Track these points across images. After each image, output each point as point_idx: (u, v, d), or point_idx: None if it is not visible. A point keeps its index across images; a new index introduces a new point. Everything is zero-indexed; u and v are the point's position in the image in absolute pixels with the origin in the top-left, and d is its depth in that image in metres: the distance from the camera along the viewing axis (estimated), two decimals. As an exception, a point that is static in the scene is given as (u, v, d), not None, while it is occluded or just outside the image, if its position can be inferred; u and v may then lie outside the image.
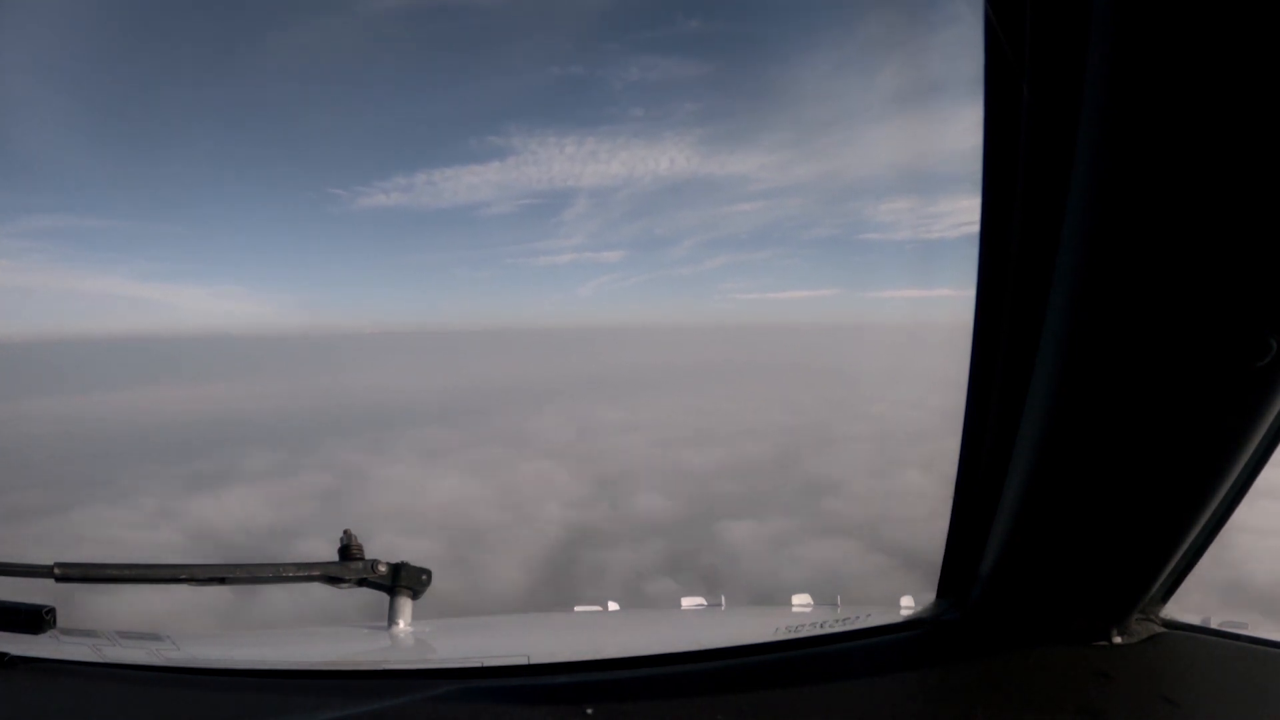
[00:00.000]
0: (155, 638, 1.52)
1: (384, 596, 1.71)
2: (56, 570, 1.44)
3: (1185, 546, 1.06)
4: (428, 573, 1.72)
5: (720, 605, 2.03)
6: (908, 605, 1.56)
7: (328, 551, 1.66)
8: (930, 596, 1.37)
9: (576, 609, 2.05)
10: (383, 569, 1.67)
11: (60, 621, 1.44)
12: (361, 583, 1.67)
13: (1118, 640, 1.21)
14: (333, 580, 1.63)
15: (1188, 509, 0.98)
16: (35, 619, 1.39)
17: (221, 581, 1.54)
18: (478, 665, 1.34)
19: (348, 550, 1.66)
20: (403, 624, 1.70)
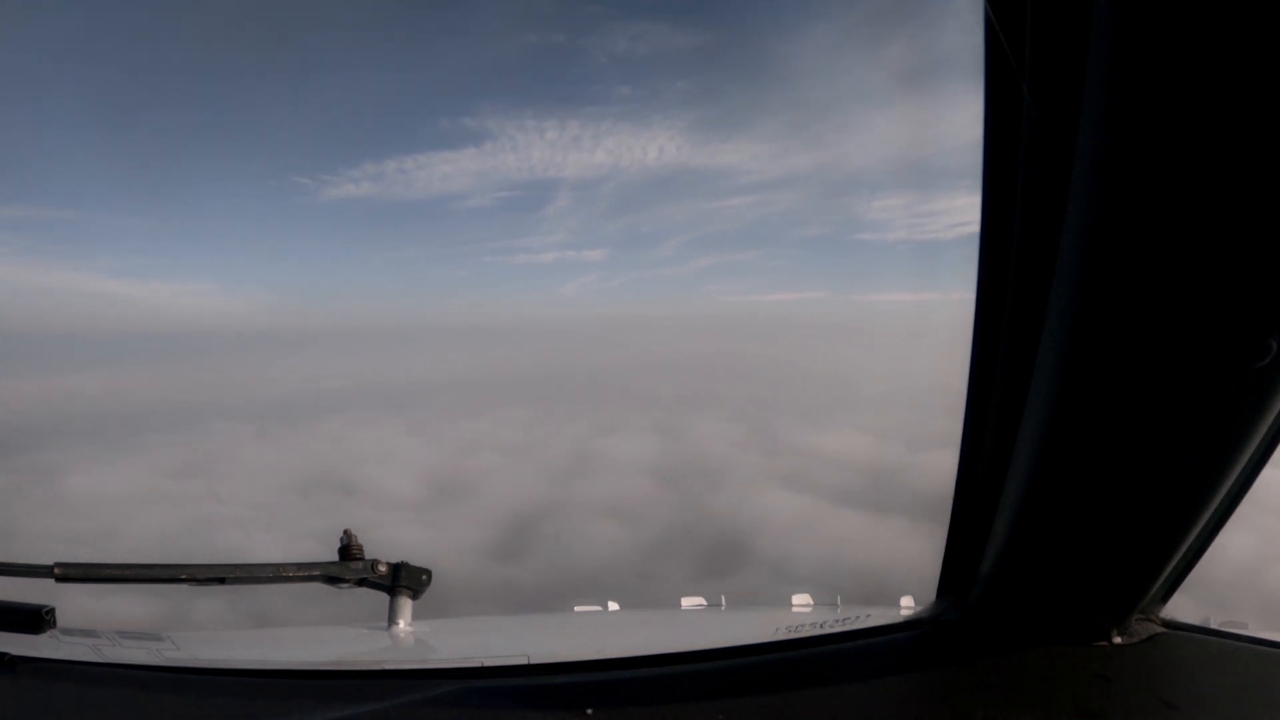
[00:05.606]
0: (155, 638, 1.52)
1: (384, 596, 1.71)
2: (56, 570, 1.44)
3: (1185, 546, 1.06)
4: (428, 573, 1.73)
5: (720, 605, 2.03)
6: (908, 605, 1.56)
7: (327, 552, 1.66)
8: (930, 596, 1.37)
9: (576, 609, 2.05)
10: (383, 569, 1.67)
11: (60, 621, 1.44)
12: (361, 583, 1.67)
13: (1118, 641, 1.21)
14: (333, 580, 1.63)
15: (1188, 510, 0.98)
16: (35, 619, 1.39)
17: (221, 581, 1.54)
18: (478, 665, 1.34)
19: (348, 550, 1.66)
20: (403, 624, 1.70)
